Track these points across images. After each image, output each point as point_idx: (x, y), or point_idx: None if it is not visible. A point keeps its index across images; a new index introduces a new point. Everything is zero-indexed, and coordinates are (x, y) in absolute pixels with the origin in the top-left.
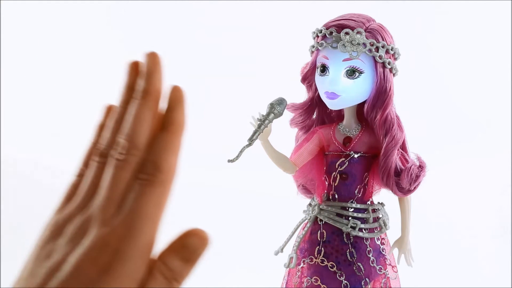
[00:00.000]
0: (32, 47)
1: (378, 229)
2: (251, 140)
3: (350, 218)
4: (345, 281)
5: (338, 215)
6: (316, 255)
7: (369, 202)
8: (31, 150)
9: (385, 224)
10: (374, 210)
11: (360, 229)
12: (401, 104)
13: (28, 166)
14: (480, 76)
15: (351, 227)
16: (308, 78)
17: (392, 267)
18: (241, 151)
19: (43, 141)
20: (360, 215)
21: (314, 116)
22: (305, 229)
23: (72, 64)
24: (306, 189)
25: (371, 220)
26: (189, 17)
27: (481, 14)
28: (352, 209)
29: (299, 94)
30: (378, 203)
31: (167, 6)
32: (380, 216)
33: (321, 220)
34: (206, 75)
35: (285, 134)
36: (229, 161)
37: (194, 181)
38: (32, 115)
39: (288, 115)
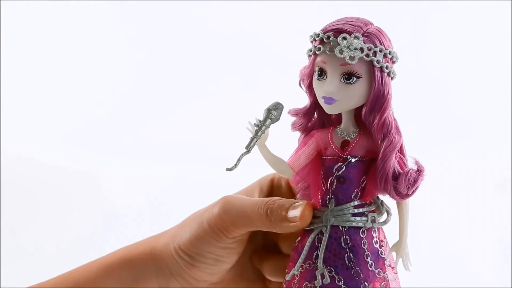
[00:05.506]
0: (32, 47)
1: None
2: (249, 148)
3: (367, 214)
4: (344, 286)
5: (354, 214)
6: (314, 260)
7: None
8: (31, 150)
9: (387, 212)
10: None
11: (374, 220)
12: (398, 107)
13: (29, 166)
14: (478, 78)
15: (371, 221)
16: (306, 81)
17: (392, 268)
18: (239, 159)
19: (43, 140)
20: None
21: (315, 119)
22: (309, 239)
23: (73, 62)
24: (307, 194)
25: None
26: (186, 18)
27: (480, 16)
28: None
29: (299, 99)
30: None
31: (163, 7)
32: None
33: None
34: (200, 81)
35: (284, 137)
36: (228, 169)
37: (197, 184)
38: (32, 114)
39: (286, 119)
